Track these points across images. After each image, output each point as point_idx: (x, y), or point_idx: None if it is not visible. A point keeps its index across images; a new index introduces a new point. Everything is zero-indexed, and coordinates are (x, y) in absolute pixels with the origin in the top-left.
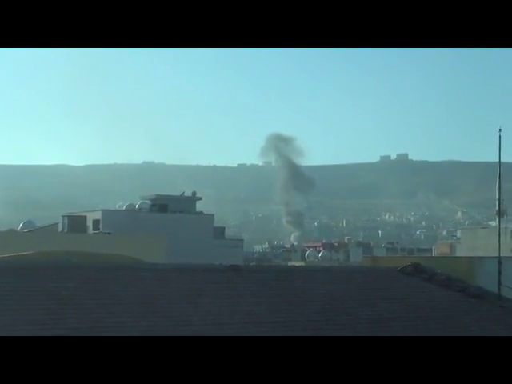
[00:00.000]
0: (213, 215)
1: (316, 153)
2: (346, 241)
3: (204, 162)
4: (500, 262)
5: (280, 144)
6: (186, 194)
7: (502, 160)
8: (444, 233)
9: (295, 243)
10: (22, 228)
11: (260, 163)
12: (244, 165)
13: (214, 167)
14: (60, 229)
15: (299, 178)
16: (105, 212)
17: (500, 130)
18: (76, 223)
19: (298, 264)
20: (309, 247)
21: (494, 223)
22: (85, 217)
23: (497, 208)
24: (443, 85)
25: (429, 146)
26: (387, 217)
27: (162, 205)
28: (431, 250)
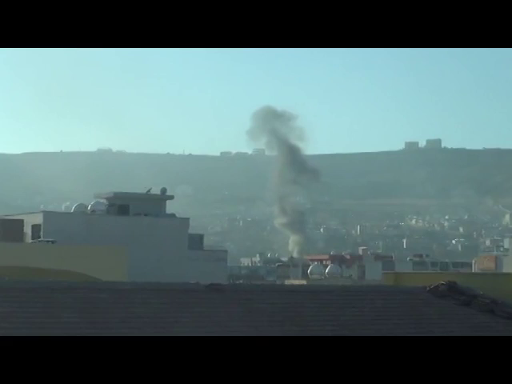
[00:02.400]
0: (188, 219)
1: (322, 138)
2: (360, 253)
3: (176, 151)
4: None
5: (274, 122)
6: (152, 192)
7: None
8: (487, 242)
9: (295, 255)
10: None
11: (249, 151)
12: (228, 153)
13: (190, 157)
14: None
15: (300, 168)
16: (47, 215)
17: None
18: (10, 229)
19: (298, 283)
20: (312, 261)
21: None
22: (22, 221)
23: None
24: (482, 58)
25: (467, 131)
26: (414, 222)
27: (121, 205)
28: (471, 264)
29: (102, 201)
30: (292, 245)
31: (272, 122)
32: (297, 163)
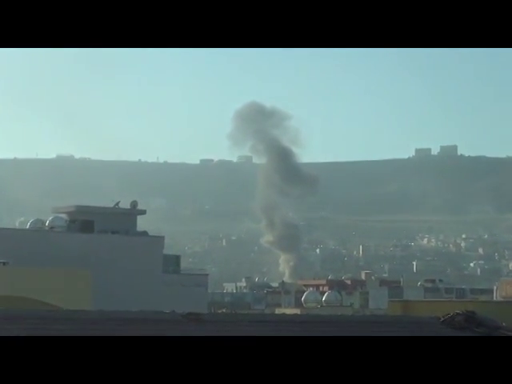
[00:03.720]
0: (163, 237)
1: (320, 143)
2: (363, 277)
3: (149, 158)
4: None
5: (262, 122)
6: (121, 206)
7: None
8: (511, 265)
9: (286, 280)
10: None
11: (233, 159)
12: (209, 161)
13: (165, 165)
14: None
15: (293, 177)
16: None
17: None
18: None
19: (290, 312)
20: (307, 286)
21: None
22: None
23: None
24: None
25: (487, 136)
26: (425, 241)
27: (85, 221)
28: (492, 291)
29: (61, 216)
30: (283, 266)
31: (259, 121)
32: (289, 171)
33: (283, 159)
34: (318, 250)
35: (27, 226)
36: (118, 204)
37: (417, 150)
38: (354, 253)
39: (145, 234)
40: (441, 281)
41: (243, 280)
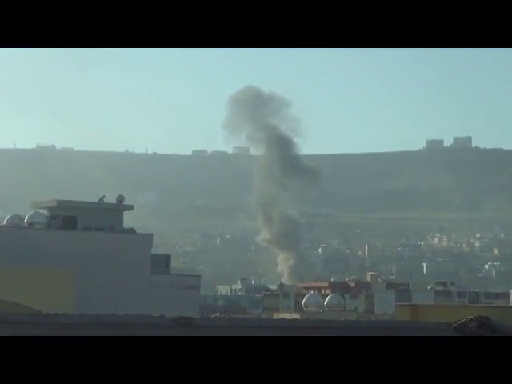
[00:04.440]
0: (151, 235)
1: (322, 133)
2: (368, 279)
3: (137, 149)
4: None
5: (259, 107)
6: (106, 200)
7: None
8: None
9: (285, 282)
10: None
11: (229, 150)
12: (202, 152)
13: (154, 156)
14: None
15: (293, 170)
16: None
17: None
18: None
19: (289, 317)
20: (308, 289)
21: None
22: None
23: None
24: None
25: (505, 127)
26: (436, 241)
27: (67, 217)
28: (508, 295)
29: (42, 211)
30: (281, 266)
31: (257, 107)
32: (289, 163)
33: (283, 149)
34: (319, 250)
35: (4, 222)
36: (102, 199)
37: (428, 142)
38: (359, 253)
39: (132, 231)
40: (453, 284)
41: (238, 282)
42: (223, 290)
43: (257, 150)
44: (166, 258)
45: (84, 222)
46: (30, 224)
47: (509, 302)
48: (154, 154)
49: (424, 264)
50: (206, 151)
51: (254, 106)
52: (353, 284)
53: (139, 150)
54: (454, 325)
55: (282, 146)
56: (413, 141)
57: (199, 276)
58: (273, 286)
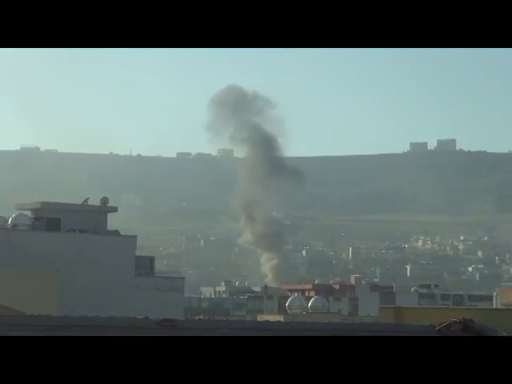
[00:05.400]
0: (135, 237)
1: (306, 136)
2: (352, 282)
3: (121, 150)
4: None
5: (243, 108)
6: (90, 202)
7: None
8: None
9: (269, 284)
10: None
11: (213, 152)
12: (187, 155)
13: (138, 159)
14: None
15: (277, 170)
16: None
17: None
18: None
19: (273, 319)
20: (292, 291)
21: None
22: None
23: None
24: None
25: (489, 130)
26: (420, 243)
27: (51, 219)
28: (491, 297)
29: (26, 213)
30: (265, 267)
31: (240, 107)
32: (273, 163)
33: (267, 150)
34: (303, 252)
35: None
36: (86, 200)
37: (412, 145)
38: (343, 255)
39: (116, 233)
40: (436, 286)
41: (222, 284)
42: (207, 292)
43: (241, 152)
44: (150, 260)
45: (68, 224)
46: (14, 226)
47: (492, 304)
48: (139, 156)
49: (408, 267)
50: (190, 153)
51: (237, 107)
52: (337, 286)
53: (123, 152)
54: (438, 327)
55: (266, 147)
56: (397, 143)
57: (183, 278)
58: (257, 288)
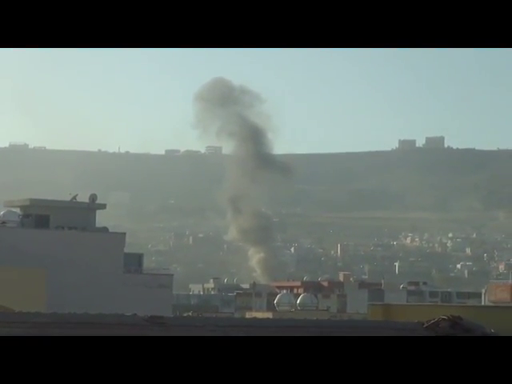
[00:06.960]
0: (124, 234)
1: (295, 132)
2: (341, 279)
3: (110, 148)
4: None
5: (231, 102)
6: (79, 199)
7: None
8: (501, 267)
9: (258, 280)
10: None
11: (201, 149)
12: (175, 152)
13: (127, 156)
14: None
15: (265, 166)
16: None
17: None
18: None
19: (262, 316)
20: (281, 288)
21: None
22: None
23: None
24: (492, 50)
25: (477, 127)
26: (409, 241)
27: (40, 216)
28: (480, 294)
29: (14, 210)
30: (253, 262)
31: (227, 100)
32: (261, 159)
33: (255, 144)
34: (292, 249)
35: None
36: (75, 197)
37: (400, 142)
38: (332, 252)
39: (104, 230)
40: (425, 283)
41: (211, 281)
42: (196, 289)
43: (229, 149)
44: (139, 257)
45: (57, 221)
46: (3, 223)
47: (481, 301)
48: (127, 153)
49: (396, 264)
50: (178, 151)
51: (224, 100)
52: (325, 283)
53: (112, 149)
54: (426, 324)
55: (254, 142)
56: (385, 141)
57: (172, 275)
58: (245, 285)
